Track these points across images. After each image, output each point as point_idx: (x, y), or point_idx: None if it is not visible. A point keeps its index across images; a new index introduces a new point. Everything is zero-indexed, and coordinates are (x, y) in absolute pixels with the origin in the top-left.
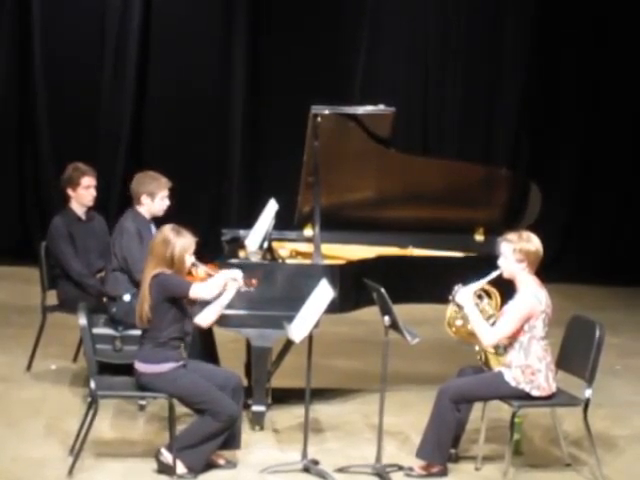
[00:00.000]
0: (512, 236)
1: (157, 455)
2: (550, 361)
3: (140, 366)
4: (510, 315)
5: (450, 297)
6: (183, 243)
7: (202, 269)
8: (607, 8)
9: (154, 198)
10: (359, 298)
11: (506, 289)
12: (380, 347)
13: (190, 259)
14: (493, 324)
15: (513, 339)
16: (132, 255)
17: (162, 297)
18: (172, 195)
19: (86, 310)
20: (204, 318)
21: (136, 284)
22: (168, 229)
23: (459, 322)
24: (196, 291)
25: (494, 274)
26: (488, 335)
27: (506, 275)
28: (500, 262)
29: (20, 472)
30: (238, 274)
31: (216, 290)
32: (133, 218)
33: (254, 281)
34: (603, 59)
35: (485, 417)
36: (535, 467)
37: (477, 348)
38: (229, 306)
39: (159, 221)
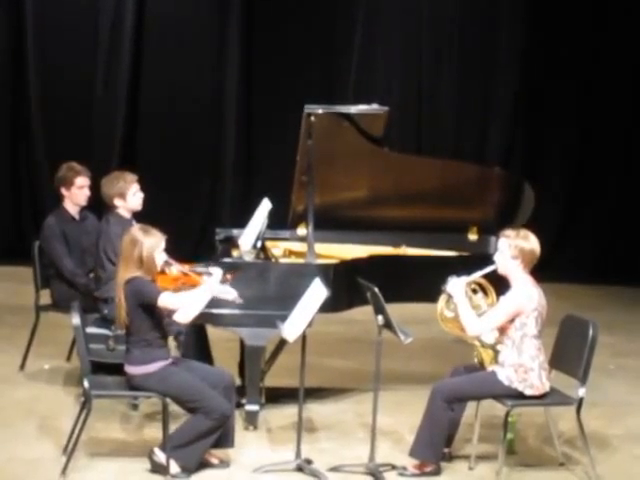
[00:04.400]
0: (510, 232)
1: (150, 455)
2: (543, 360)
3: (130, 369)
4: (498, 308)
5: (442, 287)
6: (151, 242)
7: (176, 268)
8: (603, 5)
9: (125, 197)
10: (352, 297)
11: (504, 288)
12: (373, 346)
13: (161, 258)
14: None
15: (504, 336)
16: None
17: (136, 303)
18: (165, 195)
19: (79, 309)
20: (183, 315)
21: None
22: (136, 229)
23: (449, 314)
24: (164, 300)
25: (489, 268)
26: (474, 325)
27: (500, 271)
28: (496, 257)
29: (14, 472)
30: (217, 272)
31: (186, 303)
32: (116, 222)
33: (228, 276)
34: (598, 59)
35: (478, 416)
36: (529, 466)
37: (475, 350)
38: (222, 305)
39: (140, 216)
